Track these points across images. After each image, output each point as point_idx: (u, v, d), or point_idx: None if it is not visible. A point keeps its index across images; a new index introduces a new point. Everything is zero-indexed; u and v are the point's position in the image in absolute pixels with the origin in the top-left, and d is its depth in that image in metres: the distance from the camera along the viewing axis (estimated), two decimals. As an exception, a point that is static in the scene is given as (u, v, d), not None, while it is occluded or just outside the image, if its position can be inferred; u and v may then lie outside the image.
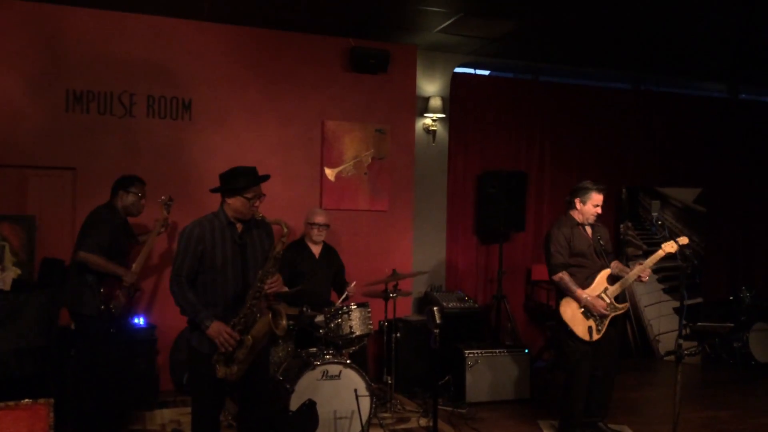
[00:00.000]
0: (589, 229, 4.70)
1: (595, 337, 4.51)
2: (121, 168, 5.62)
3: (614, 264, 4.71)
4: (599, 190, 4.63)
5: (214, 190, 3.49)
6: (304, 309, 4.93)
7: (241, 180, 3.37)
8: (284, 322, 3.37)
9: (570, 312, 4.55)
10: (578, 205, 4.65)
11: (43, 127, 5.51)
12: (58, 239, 5.43)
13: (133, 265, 4.49)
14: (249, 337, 3.29)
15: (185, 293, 3.31)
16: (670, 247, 4.45)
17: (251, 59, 6.12)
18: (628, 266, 4.81)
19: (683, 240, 4.41)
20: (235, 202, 3.38)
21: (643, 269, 4.54)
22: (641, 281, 4.63)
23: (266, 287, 3.31)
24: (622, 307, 4.57)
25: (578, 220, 4.67)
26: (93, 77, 5.63)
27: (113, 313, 4.31)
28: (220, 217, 3.42)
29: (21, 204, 5.49)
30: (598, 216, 4.71)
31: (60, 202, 5.60)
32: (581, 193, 4.65)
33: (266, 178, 3.48)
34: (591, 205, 4.61)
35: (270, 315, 3.29)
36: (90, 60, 5.63)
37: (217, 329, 3.24)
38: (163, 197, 4.98)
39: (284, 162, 6.14)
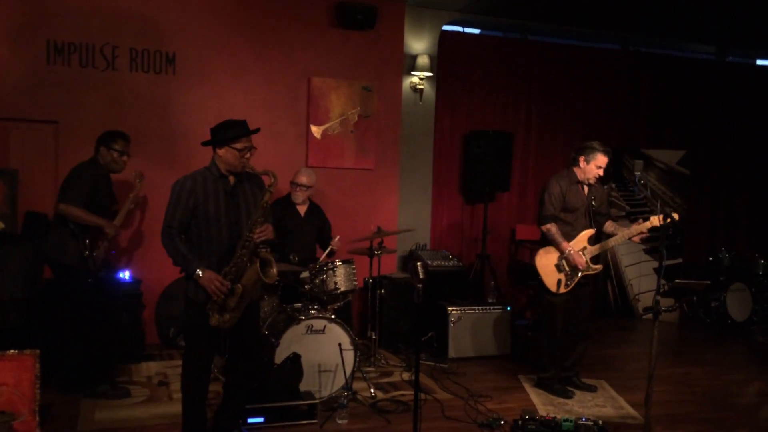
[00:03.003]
0: (585, 189, 4.73)
1: (562, 290, 4.64)
2: (104, 122, 5.57)
3: (608, 224, 4.77)
4: (605, 153, 4.61)
5: (205, 143, 3.49)
6: (292, 257, 4.97)
7: (232, 130, 3.40)
8: (273, 269, 3.41)
9: (544, 262, 4.68)
10: (582, 163, 4.65)
11: (24, 79, 5.42)
12: (41, 193, 5.39)
13: (116, 219, 4.49)
14: (239, 285, 3.35)
15: (176, 244, 3.36)
16: (657, 220, 4.37)
17: (236, 13, 6.01)
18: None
19: (675, 215, 4.11)
20: (225, 154, 3.40)
21: (621, 238, 4.61)
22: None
23: (255, 236, 3.35)
24: (596, 268, 4.66)
25: (579, 177, 4.68)
26: (74, 28, 5.52)
27: (95, 262, 4.31)
28: (212, 171, 3.45)
29: (3, 157, 5.44)
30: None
31: (42, 156, 5.55)
32: (587, 152, 4.64)
33: (256, 131, 3.50)
34: (594, 166, 4.61)
35: (258, 263, 3.33)
36: (71, 10, 5.51)
37: (208, 278, 3.31)
38: (134, 172, 4.85)
39: (270, 119, 6.09)
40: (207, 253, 3.39)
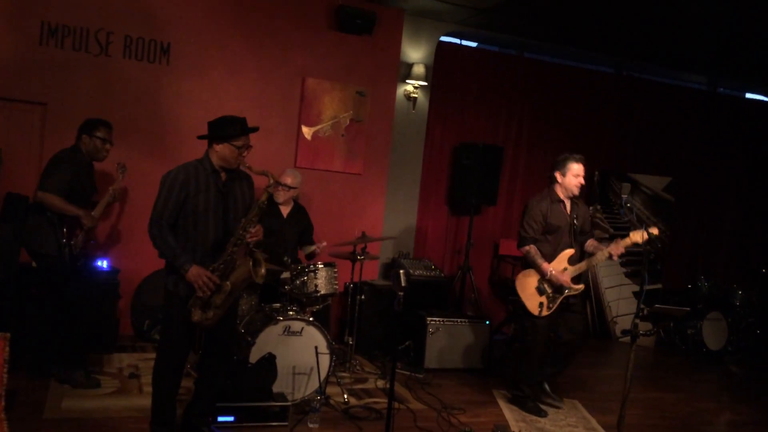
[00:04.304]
0: (569, 206, 4.65)
1: (545, 313, 4.54)
2: (93, 107, 5.51)
3: (590, 242, 4.70)
4: (577, 160, 4.54)
5: (202, 137, 3.46)
6: (285, 259, 4.93)
7: (232, 128, 3.38)
8: (263, 270, 3.39)
9: (525, 285, 4.61)
10: (558, 177, 4.58)
11: (14, 58, 5.34)
12: (24, 174, 5.32)
13: (94, 211, 4.43)
14: (227, 283, 3.32)
15: (165, 237, 3.30)
16: (638, 236, 4.27)
17: (234, 9, 5.98)
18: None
19: (653, 230, 4.13)
20: (223, 150, 3.37)
21: (602, 256, 4.50)
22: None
23: (248, 236, 3.32)
24: (577, 288, 4.57)
25: (560, 195, 4.61)
26: (69, 11, 5.46)
27: (72, 252, 4.26)
28: (205, 164, 3.41)
29: (-13, 136, 5.36)
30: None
31: (28, 137, 5.47)
32: (559, 165, 4.59)
33: (256, 129, 3.47)
34: (571, 176, 4.54)
35: (251, 262, 3.30)
36: (67, -7, 5.46)
37: (196, 273, 3.26)
38: (117, 164, 4.77)
39: (261, 117, 6.02)
40: (191, 246, 3.35)
